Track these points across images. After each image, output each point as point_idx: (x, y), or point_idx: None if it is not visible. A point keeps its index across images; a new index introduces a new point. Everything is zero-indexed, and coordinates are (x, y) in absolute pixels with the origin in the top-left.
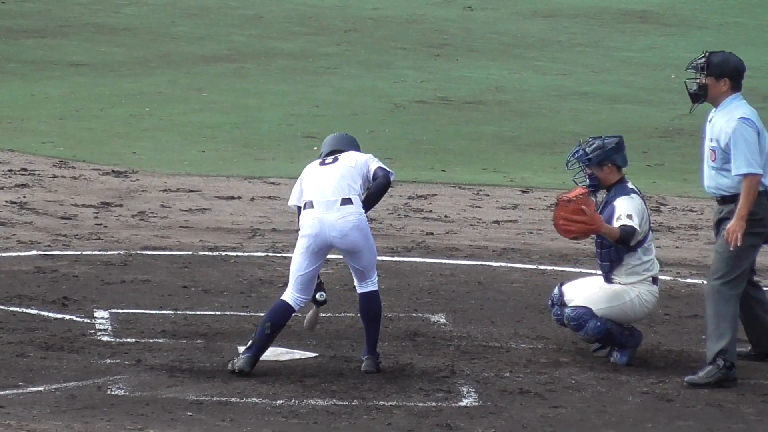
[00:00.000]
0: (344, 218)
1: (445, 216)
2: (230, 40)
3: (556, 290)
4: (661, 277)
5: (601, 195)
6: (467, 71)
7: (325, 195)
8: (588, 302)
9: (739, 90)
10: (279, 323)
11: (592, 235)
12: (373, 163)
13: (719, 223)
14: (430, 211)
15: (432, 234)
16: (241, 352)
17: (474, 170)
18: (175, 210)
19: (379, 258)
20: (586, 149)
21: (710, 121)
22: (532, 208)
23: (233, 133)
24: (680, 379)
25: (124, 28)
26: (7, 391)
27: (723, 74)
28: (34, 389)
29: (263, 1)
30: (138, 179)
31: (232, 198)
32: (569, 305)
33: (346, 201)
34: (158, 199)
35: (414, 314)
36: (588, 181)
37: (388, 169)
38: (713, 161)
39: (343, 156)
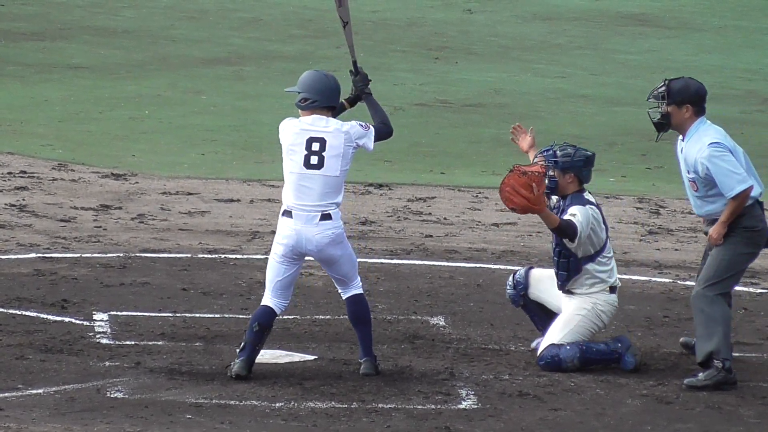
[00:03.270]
0: (321, 234)
1: (445, 218)
2: (229, 43)
3: (522, 272)
4: (660, 280)
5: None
6: (466, 74)
7: (305, 208)
8: (546, 342)
9: (702, 114)
10: (266, 323)
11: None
12: (367, 143)
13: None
14: (430, 213)
15: (431, 236)
16: (237, 355)
17: (473, 173)
18: (175, 213)
19: (378, 260)
20: (557, 151)
21: (681, 152)
22: None
23: (232, 135)
24: (679, 382)
25: (123, 31)
26: (6, 394)
27: (684, 101)
28: (34, 392)
29: (262, 4)
30: (137, 182)
31: (232, 201)
32: (538, 351)
33: (326, 216)
34: (157, 202)
35: (413, 317)
36: (547, 182)
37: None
38: (696, 191)
39: (328, 154)
